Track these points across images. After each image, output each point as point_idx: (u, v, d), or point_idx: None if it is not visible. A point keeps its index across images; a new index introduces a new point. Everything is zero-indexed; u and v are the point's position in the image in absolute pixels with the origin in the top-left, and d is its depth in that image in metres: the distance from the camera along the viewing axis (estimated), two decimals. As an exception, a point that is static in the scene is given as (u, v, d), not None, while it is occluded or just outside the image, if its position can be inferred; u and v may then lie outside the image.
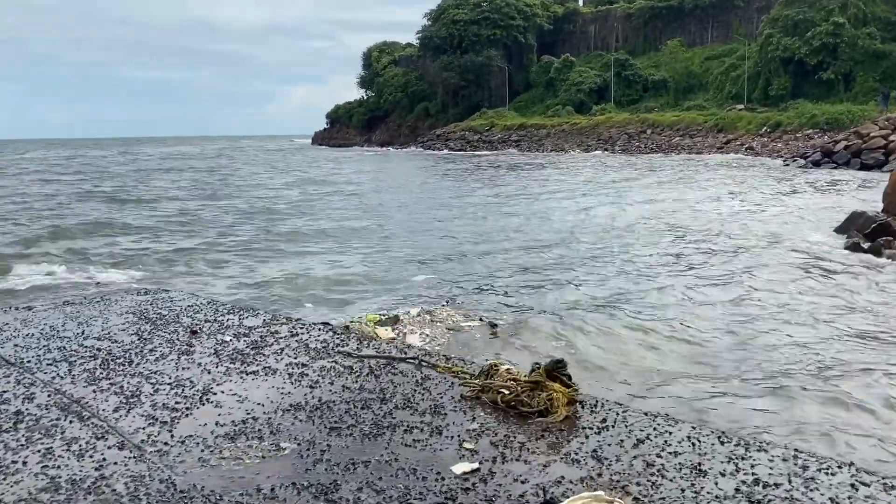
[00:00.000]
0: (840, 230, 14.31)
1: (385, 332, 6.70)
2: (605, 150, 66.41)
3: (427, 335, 7.16)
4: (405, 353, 5.12)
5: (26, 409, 4.05)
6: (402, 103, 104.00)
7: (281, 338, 5.64)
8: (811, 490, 2.94)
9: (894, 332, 8.21)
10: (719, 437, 3.55)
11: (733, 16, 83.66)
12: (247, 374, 4.68)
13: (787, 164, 43.33)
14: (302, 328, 5.97)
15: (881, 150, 38.16)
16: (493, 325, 7.61)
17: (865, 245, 12.95)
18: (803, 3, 67.20)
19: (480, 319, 7.90)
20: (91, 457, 3.43)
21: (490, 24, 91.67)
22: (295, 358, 5.04)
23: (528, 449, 3.46)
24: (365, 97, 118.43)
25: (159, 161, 67.07)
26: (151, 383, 4.55)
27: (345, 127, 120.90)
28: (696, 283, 10.66)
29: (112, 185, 36.29)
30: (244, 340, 5.53)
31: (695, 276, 11.17)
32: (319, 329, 5.93)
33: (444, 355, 5.22)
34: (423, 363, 4.86)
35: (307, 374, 4.66)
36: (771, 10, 71.58)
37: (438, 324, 7.68)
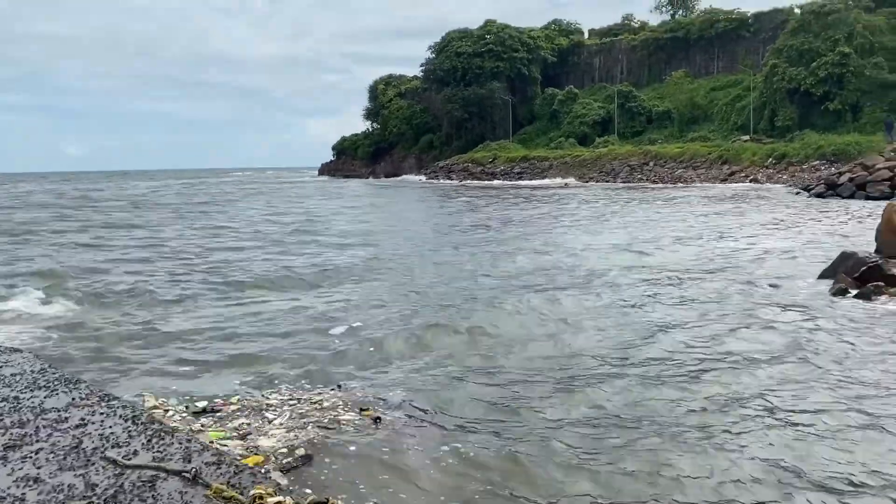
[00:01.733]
0: (826, 274, 12.96)
1: (232, 443, 5.39)
2: (606, 181, 65.30)
3: (287, 432, 5.76)
4: (188, 464, 3.92)
5: None
6: (406, 135, 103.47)
7: (60, 429, 4.47)
8: None
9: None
10: None
11: (739, 46, 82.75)
12: (-53, 498, 3.49)
13: (790, 193, 42.04)
14: (102, 414, 4.79)
15: (887, 183, 36.76)
16: (377, 420, 6.12)
17: (853, 291, 11.65)
18: (809, 32, 66.27)
19: (360, 410, 6.45)
20: None
21: (493, 57, 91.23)
22: (40, 467, 3.85)
23: None
24: (370, 129, 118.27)
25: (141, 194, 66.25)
26: None
27: (350, 159, 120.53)
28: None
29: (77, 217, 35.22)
30: (10, 434, 4.35)
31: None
32: (119, 417, 4.74)
33: (235, 465, 4.02)
34: (199, 480, 3.66)
35: (25, 502, 3.45)
36: (776, 41, 70.71)
37: (310, 414, 6.28)
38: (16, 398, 5.18)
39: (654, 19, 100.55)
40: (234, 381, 7.77)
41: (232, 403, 6.66)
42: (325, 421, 5.99)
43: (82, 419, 4.69)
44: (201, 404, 6.56)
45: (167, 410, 6.44)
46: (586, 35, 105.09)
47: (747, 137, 66.03)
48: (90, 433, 4.40)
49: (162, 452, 4.10)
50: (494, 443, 5.87)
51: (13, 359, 6.71)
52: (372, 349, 9.03)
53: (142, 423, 4.65)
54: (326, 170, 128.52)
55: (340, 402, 6.61)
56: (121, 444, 4.23)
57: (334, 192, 60.46)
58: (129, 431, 4.45)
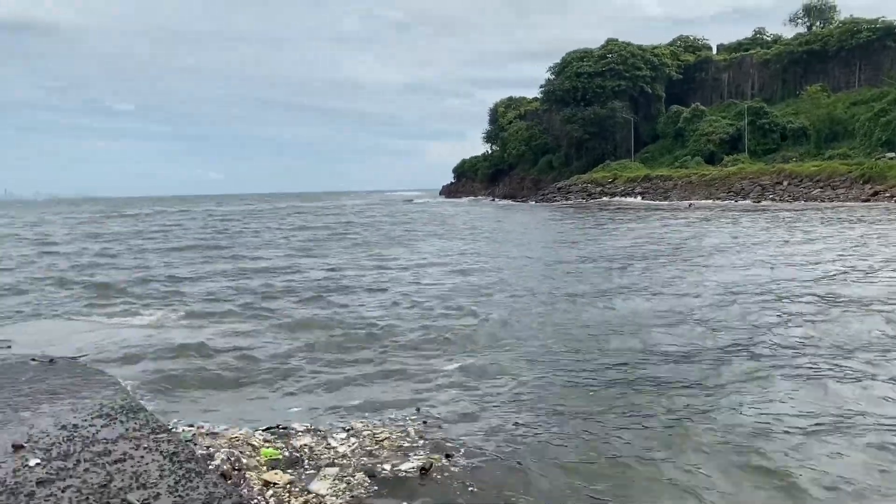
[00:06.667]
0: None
1: (276, 475, 5.17)
2: (735, 201, 62.07)
3: (340, 478, 5.41)
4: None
5: None
6: (525, 157, 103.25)
7: (99, 463, 4.48)
8: None
9: None
10: None
11: (884, 57, 76.94)
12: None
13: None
14: (146, 448, 4.77)
15: None
16: (425, 470, 5.44)
17: None
18: (966, 40, 60.67)
19: (446, 456, 5.78)
20: None
21: (615, 76, 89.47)
22: (60, 506, 3.80)
23: None
24: (490, 151, 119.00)
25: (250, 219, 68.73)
26: None
27: (470, 181, 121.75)
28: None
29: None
30: (49, 468, 4.38)
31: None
32: (159, 453, 4.70)
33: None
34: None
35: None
36: (928, 50, 65.21)
37: (365, 458, 5.89)
38: (75, 426, 5.28)
39: (788, 32, 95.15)
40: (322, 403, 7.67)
41: (299, 430, 6.53)
42: (382, 468, 5.62)
43: (124, 454, 4.69)
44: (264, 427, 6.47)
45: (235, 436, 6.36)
46: (714, 51, 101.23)
47: (893, 154, 61.01)
48: (124, 470, 4.38)
49: (183, 498, 3.99)
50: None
51: (93, 381, 6.93)
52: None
53: (178, 462, 4.59)
54: (446, 192, 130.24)
55: (407, 442, 6.29)
56: (148, 484, 4.17)
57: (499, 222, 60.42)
58: (163, 470, 4.40)
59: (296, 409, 8.12)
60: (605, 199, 75.78)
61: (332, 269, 20.03)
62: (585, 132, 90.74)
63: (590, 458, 5.89)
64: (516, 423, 6.92)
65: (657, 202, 68.61)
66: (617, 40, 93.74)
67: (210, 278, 18.61)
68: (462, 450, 6.13)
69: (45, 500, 3.91)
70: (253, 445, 5.71)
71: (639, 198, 72.99)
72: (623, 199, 74.71)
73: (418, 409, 7.49)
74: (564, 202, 78.00)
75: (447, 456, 5.91)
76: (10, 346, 9.87)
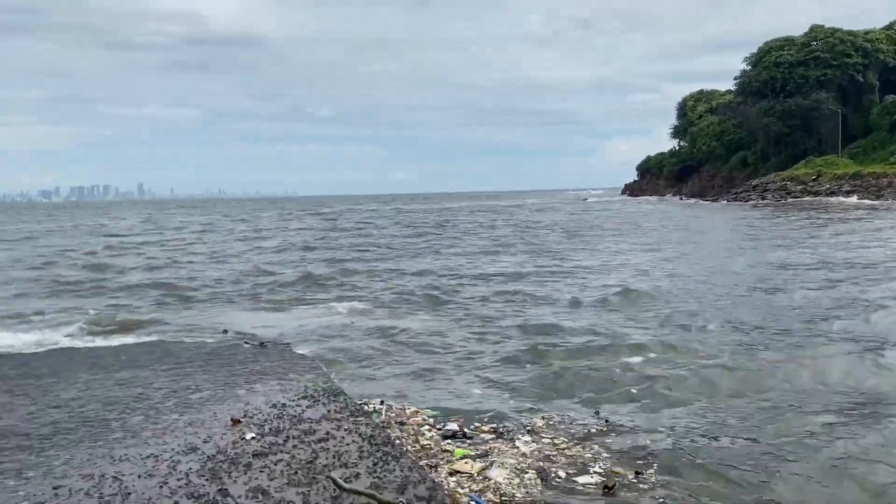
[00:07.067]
0: None
1: (467, 464, 5.32)
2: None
3: (515, 470, 5.42)
4: (400, 495, 3.88)
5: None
6: (716, 153, 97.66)
7: (305, 441, 4.79)
8: None
9: None
10: None
11: None
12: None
13: None
14: (346, 430, 5.03)
15: None
16: (609, 489, 5.20)
17: None
18: None
19: (636, 474, 5.57)
20: None
21: (820, 64, 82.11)
22: (272, 479, 4.11)
23: None
24: (677, 147, 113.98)
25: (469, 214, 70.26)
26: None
27: (654, 178, 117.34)
28: None
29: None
30: (263, 442, 4.73)
31: None
32: (358, 435, 4.92)
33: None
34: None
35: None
36: None
37: (542, 462, 5.80)
38: (283, 405, 5.67)
39: None
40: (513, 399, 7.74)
41: (483, 430, 6.62)
42: (557, 474, 5.53)
43: (327, 433, 4.95)
44: (452, 426, 6.60)
45: (423, 425, 6.60)
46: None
47: None
48: (328, 449, 4.62)
49: (381, 479, 4.14)
50: None
51: (298, 364, 7.42)
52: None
53: (375, 444, 4.77)
54: (629, 190, 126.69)
55: (590, 452, 6.13)
56: (349, 464, 4.37)
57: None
58: (362, 452, 4.59)
59: (476, 392, 8.34)
60: (807, 198, 69.94)
61: (514, 268, 20.14)
62: (785, 126, 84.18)
63: (810, 487, 5.39)
64: (712, 438, 6.53)
65: (869, 201, 62.27)
66: (823, 26, 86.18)
67: (399, 273, 19.41)
68: (654, 462, 5.85)
69: (261, 472, 4.21)
70: (449, 451, 5.87)
71: (853, 197, 66.21)
72: (828, 198, 68.43)
73: (597, 413, 7.29)
74: (760, 201, 72.79)
75: (637, 473, 5.63)
76: (226, 331, 10.86)
